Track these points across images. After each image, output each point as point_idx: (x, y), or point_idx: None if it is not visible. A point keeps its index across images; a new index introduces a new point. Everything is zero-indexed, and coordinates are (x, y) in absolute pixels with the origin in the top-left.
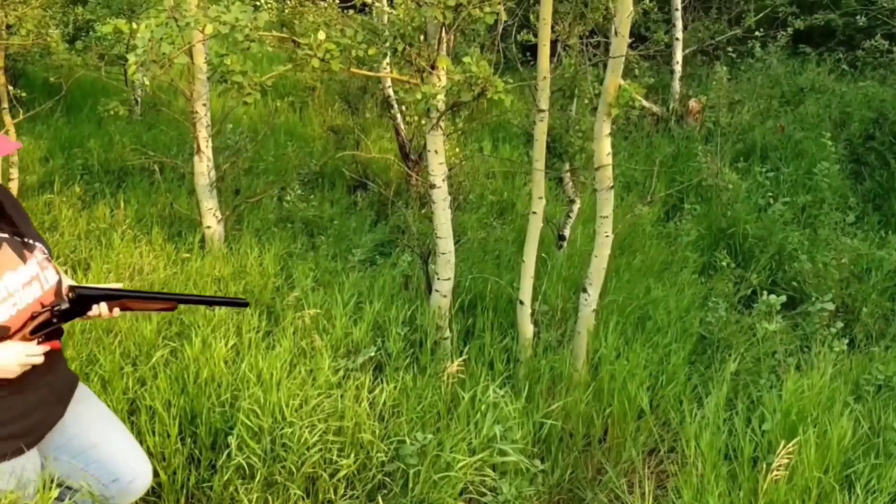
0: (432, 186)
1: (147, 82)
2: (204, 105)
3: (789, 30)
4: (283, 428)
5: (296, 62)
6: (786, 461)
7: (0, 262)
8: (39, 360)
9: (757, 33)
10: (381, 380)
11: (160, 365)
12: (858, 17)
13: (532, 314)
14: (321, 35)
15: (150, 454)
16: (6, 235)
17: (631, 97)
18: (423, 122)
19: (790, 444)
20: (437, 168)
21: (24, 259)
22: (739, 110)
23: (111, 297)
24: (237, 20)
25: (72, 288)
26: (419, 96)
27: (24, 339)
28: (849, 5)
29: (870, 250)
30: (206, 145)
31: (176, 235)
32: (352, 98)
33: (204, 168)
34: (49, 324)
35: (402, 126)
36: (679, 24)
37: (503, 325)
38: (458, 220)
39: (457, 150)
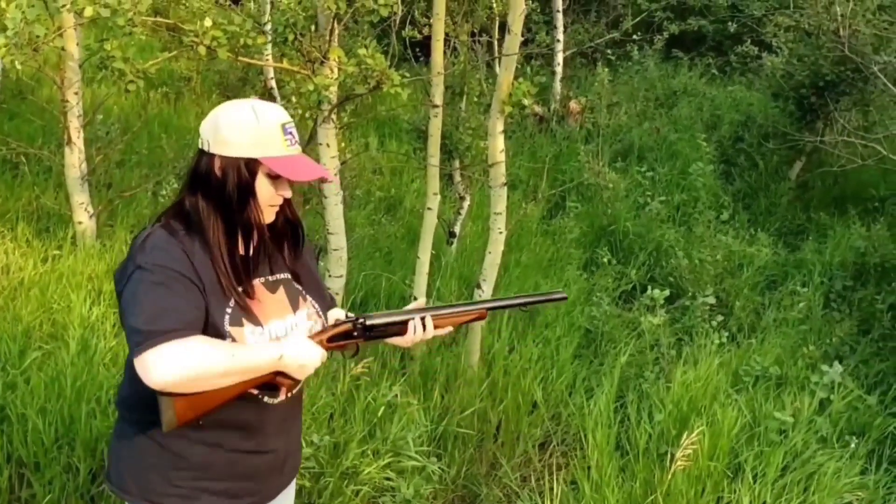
0: (323, 181)
1: (19, 66)
2: (76, 93)
3: (664, 34)
4: None
5: (178, 50)
6: (689, 451)
7: (270, 306)
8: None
9: (634, 37)
10: None
11: (33, 368)
12: (729, 23)
13: None
14: (208, 22)
15: (21, 464)
16: (287, 276)
17: (524, 95)
18: (307, 114)
19: (693, 435)
20: (329, 162)
21: (294, 308)
22: (617, 112)
23: (402, 323)
24: (119, 3)
25: (360, 317)
26: (311, 88)
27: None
28: (719, 12)
29: (741, 247)
30: (77, 136)
31: (44, 231)
32: (231, 89)
33: (75, 160)
34: (349, 336)
35: None
36: (560, 25)
37: None
38: (346, 217)
39: (342, 145)
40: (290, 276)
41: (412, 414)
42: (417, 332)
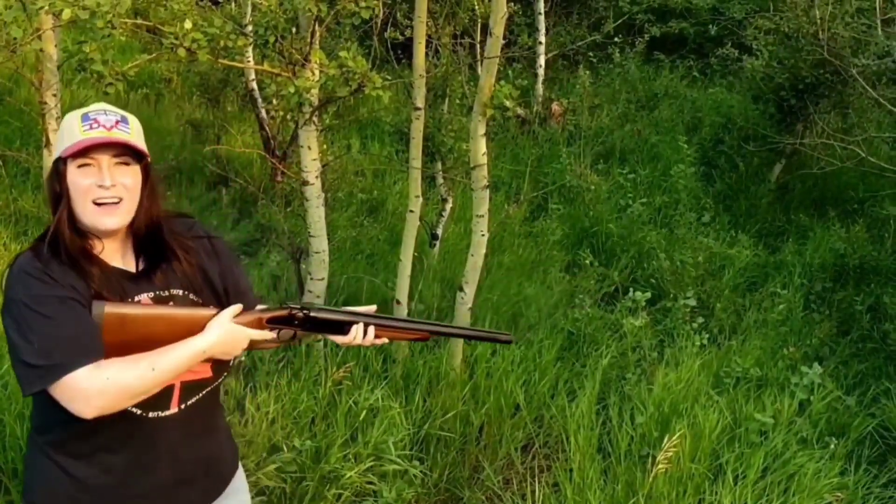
0: (305, 183)
1: None
2: (54, 95)
3: (646, 37)
4: None
5: (158, 52)
6: (671, 454)
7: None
8: (272, 336)
9: (616, 39)
10: (253, 385)
11: (10, 374)
12: (710, 26)
13: (408, 313)
14: (188, 24)
15: None
16: (180, 292)
17: (505, 97)
18: (288, 116)
19: (674, 438)
20: (311, 164)
21: None
22: (599, 114)
23: (346, 323)
24: (98, 5)
25: (302, 308)
26: (292, 90)
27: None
28: (700, 15)
29: (722, 249)
30: (55, 138)
31: (22, 234)
32: (212, 91)
33: None
34: (288, 322)
35: (267, 121)
36: (542, 28)
37: None
38: (328, 219)
39: (324, 147)
40: (184, 292)
41: (394, 417)
42: (357, 337)
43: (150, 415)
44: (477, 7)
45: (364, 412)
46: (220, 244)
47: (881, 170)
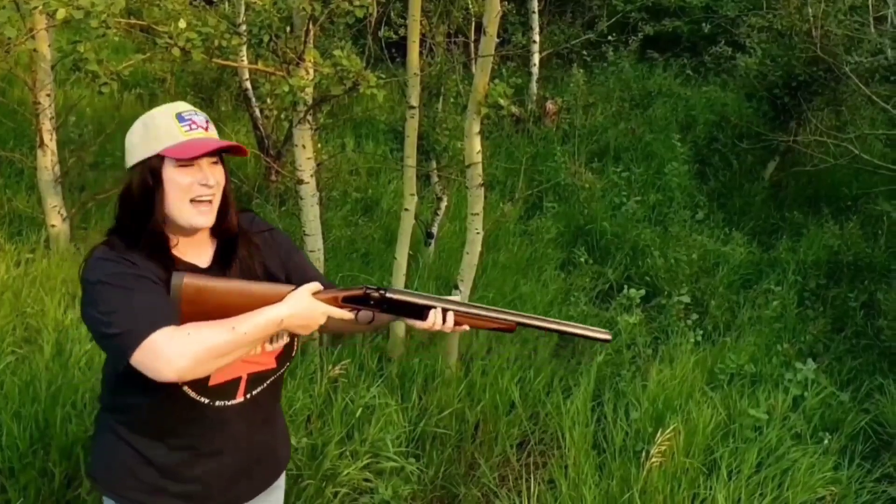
0: (300, 182)
1: None
2: (48, 95)
3: (639, 35)
4: None
5: (152, 52)
6: (664, 448)
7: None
8: (349, 316)
9: (609, 38)
10: None
11: (7, 373)
12: (703, 24)
13: None
14: (182, 23)
15: None
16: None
17: (500, 96)
18: (282, 115)
19: (667, 433)
20: (305, 163)
21: None
22: (593, 112)
23: (424, 307)
24: (93, 5)
25: (378, 288)
26: (286, 89)
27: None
28: (693, 13)
29: (716, 246)
30: (49, 138)
31: (16, 235)
32: (205, 90)
33: (48, 163)
34: (363, 302)
35: (261, 120)
36: (536, 27)
37: None
38: (322, 218)
39: (318, 146)
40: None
41: (390, 415)
42: (437, 323)
43: (217, 404)
44: (471, 6)
45: (360, 410)
46: (280, 235)
47: (874, 167)
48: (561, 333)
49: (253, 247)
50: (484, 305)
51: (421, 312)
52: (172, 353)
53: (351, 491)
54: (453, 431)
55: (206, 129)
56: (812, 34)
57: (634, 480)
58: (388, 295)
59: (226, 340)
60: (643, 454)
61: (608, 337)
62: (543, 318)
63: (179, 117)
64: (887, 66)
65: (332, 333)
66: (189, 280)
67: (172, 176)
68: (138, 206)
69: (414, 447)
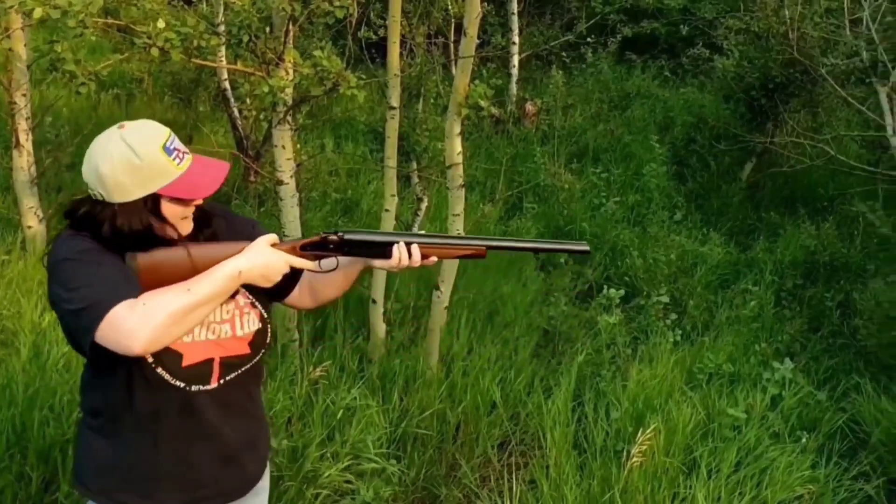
0: (279, 183)
1: None
2: (24, 95)
3: (618, 37)
4: None
5: (130, 52)
6: (644, 447)
7: None
8: (310, 265)
9: (588, 40)
10: None
11: None
12: (681, 26)
13: (384, 313)
14: (161, 23)
15: None
16: None
17: (480, 97)
18: (261, 116)
19: (647, 433)
20: (285, 164)
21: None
22: (572, 114)
23: (386, 244)
24: (70, 4)
25: (336, 231)
26: (266, 89)
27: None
28: (671, 15)
29: (694, 247)
30: (25, 139)
31: None
32: (183, 91)
33: (24, 163)
34: (324, 247)
35: (240, 120)
36: (515, 28)
37: (354, 325)
38: (302, 219)
39: (298, 146)
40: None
41: (371, 416)
42: (403, 258)
43: (193, 388)
44: (451, 7)
45: (341, 411)
46: (261, 231)
47: (850, 168)
48: (535, 252)
49: (225, 223)
50: (448, 234)
51: (384, 250)
52: (133, 324)
53: (332, 493)
54: (434, 432)
55: (187, 151)
56: (789, 36)
57: (615, 480)
58: (346, 236)
59: (184, 303)
60: (624, 454)
61: (586, 248)
62: (514, 238)
63: (167, 150)
64: (862, 69)
65: (314, 305)
66: (143, 258)
67: (170, 209)
68: (127, 237)
69: (395, 448)
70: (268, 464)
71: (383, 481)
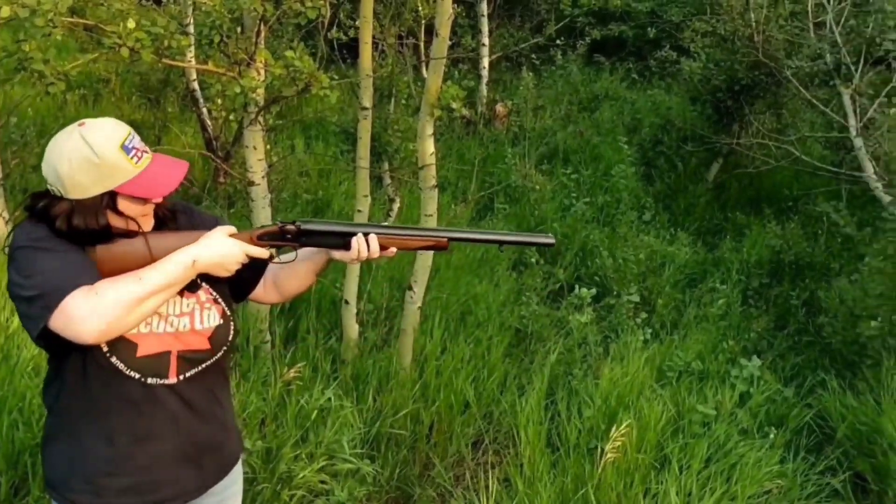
0: (251, 184)
1: None
2: None
3: (587, 40)
4: None
5: (99, 52)
6: (617, 444)
7: None
8: (265, 254)
9: (558, 42)
10: None
11: None
12: (648, 29)
13: (357, 314)
14: (131, 23)
15: None
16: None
17: (452, 98)
18: (232, 116)
19: (620, 430)
20: (256, 164)
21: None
22: (542, 115)
23: (345, 234)
24: (39, 3)
25: (294, 221)
26: (238, 90)
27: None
28: (639, 18)
29: (662, 246)
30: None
31: None
32: (152, 91)
33: None
34: (281, 237)
35: (209, 121)
36: (485, 30)
37: (327, 326)
38: (273, 220)
39: (268, 147)
40: (199, 279)
41: (345, 417)
42: (361, 250)
43: (150, 381)
44: (421, 8)
45: (315, 412)
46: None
47: (814, 168)
48: (499, 244)
49: (187, 219)
50: (410, 226)
51: (343, 241)
52: (85, 311)
53: (307, 493)
54: (408, 432)
55: (147, 150)
56: (754, 39)
57: (589, 477)
58: (303, 227)
59: (136, 291)
60: (597, 451)
61: (551, 240)
62: (478, 230)
63: (125, 149)
64: (826, 71)
65: (281, 300)
66: (100, 250)
67: (128, 207)
68: (84, 233)
69: (369, 449)
70: (241, 466)
71: (358, 481)
